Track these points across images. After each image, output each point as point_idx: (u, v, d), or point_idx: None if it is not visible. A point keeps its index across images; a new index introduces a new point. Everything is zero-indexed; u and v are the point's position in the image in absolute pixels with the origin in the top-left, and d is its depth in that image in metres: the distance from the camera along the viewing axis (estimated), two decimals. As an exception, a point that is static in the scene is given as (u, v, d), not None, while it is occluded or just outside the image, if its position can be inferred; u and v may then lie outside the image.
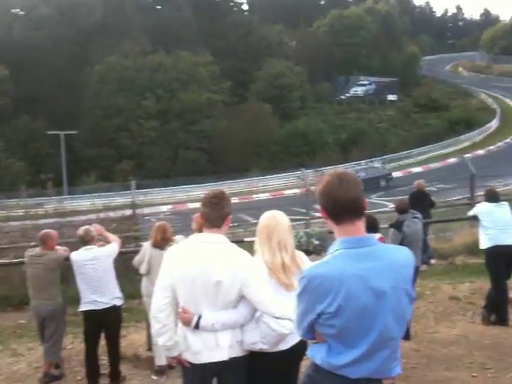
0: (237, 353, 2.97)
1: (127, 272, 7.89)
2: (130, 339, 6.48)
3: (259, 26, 58.34)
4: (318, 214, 12.70)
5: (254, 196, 28.06)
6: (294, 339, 2.97)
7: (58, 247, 5.71)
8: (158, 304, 3.01)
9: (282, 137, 44.60)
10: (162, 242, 5.50)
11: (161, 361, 5.49)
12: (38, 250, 5.61)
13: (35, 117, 43.87)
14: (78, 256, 5.34)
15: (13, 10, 53.17)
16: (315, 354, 2.17)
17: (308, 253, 3.54)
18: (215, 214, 3.00)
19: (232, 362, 2.94)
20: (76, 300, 5.72)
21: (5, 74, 44.95)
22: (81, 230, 5.46)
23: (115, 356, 5.43)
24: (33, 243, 8.71)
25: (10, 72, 45.12)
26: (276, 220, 3.22)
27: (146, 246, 5.66)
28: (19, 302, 8.41)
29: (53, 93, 46.29)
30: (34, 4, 50.24)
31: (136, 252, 6.13)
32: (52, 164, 38.89)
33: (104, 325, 5.33)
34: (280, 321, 2.88)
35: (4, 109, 44.64)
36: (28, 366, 5.97)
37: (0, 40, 46.52)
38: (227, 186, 26.89)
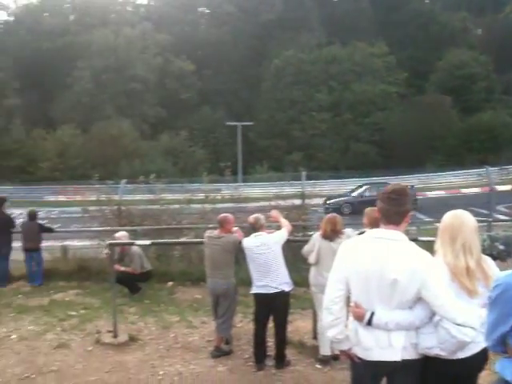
0: (411, 355, 2.82)
1: (294, 260, 8.02)
2: (296, 325, 6.59)
3: (440, 14, 54.90)
4: (501, 217, 11.63)
5: (428, 193, 26.61)
6: (474, 348, 2.75)
7: (234, 229, 6.00)
8: (332, 296, 2.98)
9: (462, 131, 41.51)
10: (332, 234, 5.47)
11: (325, 351, 5.51)
12: (216, 232, 5.96)
13: (216, 108, 47.07)
14: (248, 242, 5.57)
15: (199, 9, 57.59)
16: (505, 370, 1.95)
17: (492, 258, 3.19)
18: (393, 210, 2.86)
19: (405, 364, 2.81)
20: (246, 281, 6.03)
21: (191, 68, 48.94)
22: (251, 218, 5.69)
23: (281, 340, 5.57)
24: (211, 225, 9.33)
25: (196, 67, 48.92)
26: (461, 220, 2.96)
27: (316, 236, 5.66)
28: (197, 278, 9.10)
29: (233, 86, 49.23)
30: (218, 2, 53.73)
31: (304, 241, 6.18)
32: (229, 153, 41.36)
33: (272, 309, 5.48)
34: (461, 328, 2.66)
35: (189, 101, 48.72)
36: (201, 339, 6.42)
37: (188, 37, 50.79)
38: (399, 181, 25.82)
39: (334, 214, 5.74)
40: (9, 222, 10.02)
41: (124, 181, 11.94)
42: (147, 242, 7.11)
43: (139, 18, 51.69)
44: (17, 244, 10.07)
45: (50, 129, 41.85)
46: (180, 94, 48.39)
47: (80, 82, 45.13)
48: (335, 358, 5.46)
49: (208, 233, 6.08)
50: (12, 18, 54.25)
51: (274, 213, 6.10)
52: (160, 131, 44.46)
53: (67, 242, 11.80)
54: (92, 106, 44.35)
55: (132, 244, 7.82)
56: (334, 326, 2.99)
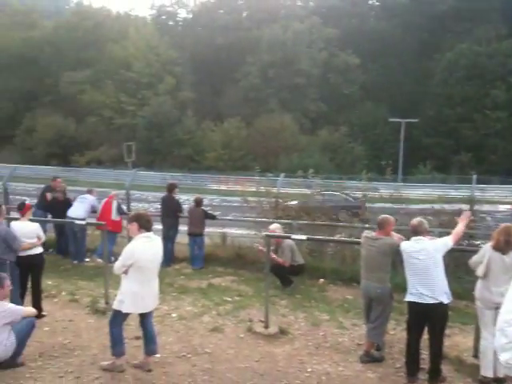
0: None
1: (456, 270, 7.51)
2: (454, 341, 6.15)
3: None
4: None
5: None
6: None
7: (393, 233, 5.74)
8: (507, 317, 2.68)
9: None
10: (505, 246, 4.97)
11: (488, 372, 5.09)
12: (374, 233, 5.75)
13: (379, 104, 45.80)
14: (407, 246, 5.28)
15: (370, 1, 56.40)
16: None
17: None
18: None
19: None
20: (401, 287, 5.73)
21: (356, 62, 48.21)
22: (415, 221, 5.38)
23: (437, 354, 5.22)
24: (367, 225, 9.09)
25: (361, 61, 48.08)
26: None
27: (487, 247, 5.19)
28: (349, 278, 8.95)
29: (398, 80, 47.43)
30: (390, -7, 52.12)
31: (468, 251, 5.73)
32: (389, 150, 40.05)
33: (428, 320, 5.15)
34: None
35: (352, 96, 48.09)
36: (351, 341, 6.28)
37: (355, 30, 50.05)
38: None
39: (510, 224, 5.17)
40: (177, 206, 10.81)
41: (283, 174, 12.18)
42: (303, 237, 7.12)
43: (308, 13, 52.22)
44: (182, 228, 10.85)
45: (218, 121, 44.43)
46: (343, 89, 48.03)
47: (248, 77, 47.15)
48: (498, 381, 5.00)
49: (366, 233, 5.92)
50: (190, 16, 58.68)
51: (466, 216, 5.65)
52: (320, 126, 44.65)
53: (226, 230, 12.39)
54: (257, 100, 46.09)
55: (288, 237, 7.89)
56: (507, 350, 2.71)
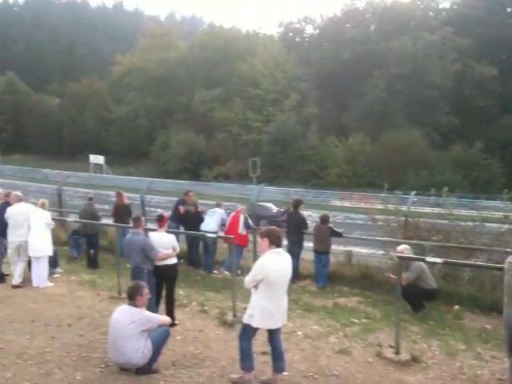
0: None
1: None
2: None
3: None
4: None
5: None
6: None
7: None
8: None
9: None
10: None
11: None
12: (518, 258, 5.23)
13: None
14: None
15: (508, 9, 52.56)
16: None
17: None
18: None
19: None
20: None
21: (493, 74, 45.05)
22: None
23: None
24: (509, 249, 8.34)
25: (498, 72, 44.88)
26: None
27: None
28: (487, 306, 8.30)
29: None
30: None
31: None
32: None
33: None
34: None
35: (488, 109, 44.96)
36: (491, 375, 5.73)
37: (492, 40, 46.85)
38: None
39: None
40: (302, 222, 10.76)
41: (413, 192, 11.66)
42: (438, 260, 6.66)
43: (439, 23, 50.02)
44: (306, 244, 10.76)
45: (342, 136, 43.99)
46: (478, 102, 45.14)
47: (374, 91, 46.21)
48: None
49: (510, 258, 5.38)
50: (317, 31, 59.24)
51: None
52: (452, 141, 42.27)
53: (351, 248, 12.09)
54: (384, 114, 44.95)
55: (422, 260, 7.45)
56: None
